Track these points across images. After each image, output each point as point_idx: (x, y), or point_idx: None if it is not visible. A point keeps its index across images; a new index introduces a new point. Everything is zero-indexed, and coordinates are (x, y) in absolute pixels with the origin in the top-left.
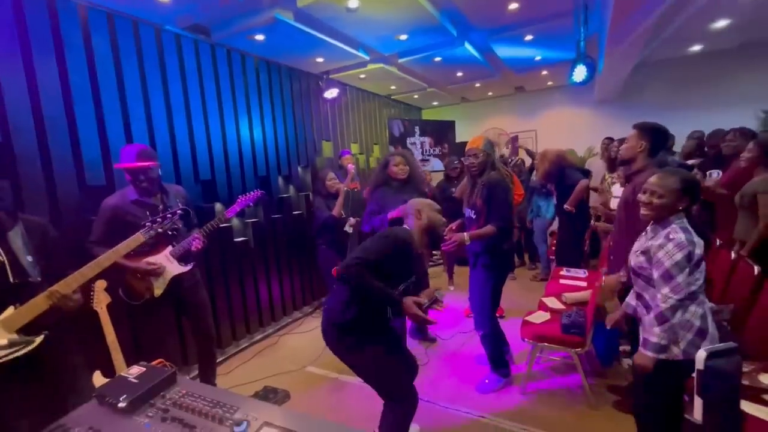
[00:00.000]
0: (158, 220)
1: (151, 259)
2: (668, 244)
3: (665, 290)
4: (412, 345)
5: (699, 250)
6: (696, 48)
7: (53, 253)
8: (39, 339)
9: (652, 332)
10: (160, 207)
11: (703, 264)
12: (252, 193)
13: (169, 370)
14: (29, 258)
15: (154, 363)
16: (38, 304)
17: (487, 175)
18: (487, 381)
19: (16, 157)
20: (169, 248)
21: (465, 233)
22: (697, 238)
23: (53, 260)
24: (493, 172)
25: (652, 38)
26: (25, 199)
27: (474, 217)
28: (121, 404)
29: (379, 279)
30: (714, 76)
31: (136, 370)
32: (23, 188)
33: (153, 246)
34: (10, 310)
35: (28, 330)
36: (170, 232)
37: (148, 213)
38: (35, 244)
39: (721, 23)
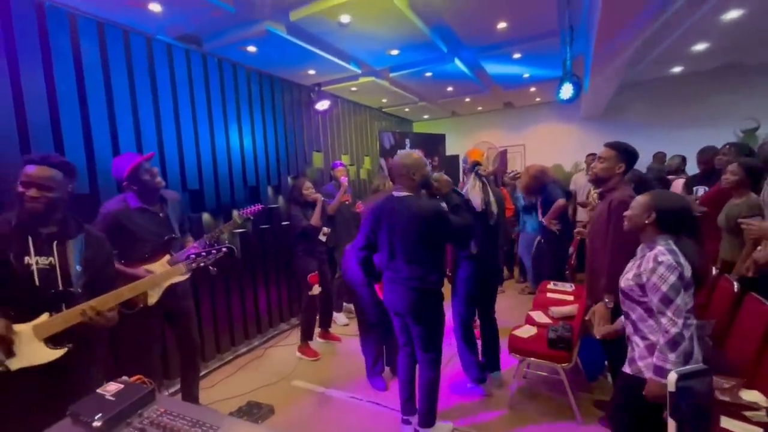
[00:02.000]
0: (203, 254)
1: (150, 267)
2: (659, 267)
3: (669, 314)
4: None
5: (687, 272)
6: (676, 69)
7: (103, 269)
8: (60, 352)
9: (666, 359)
10: (161, 215)
11: (693, 287)
12: (253, 206)
13: (148, 387)
14: (78, 268)
15: (132, 379)
16: (73, 315)
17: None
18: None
19: None
20: (167, 257)
21: None
22: (684, 260)
23: (100, 276)
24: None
25: (635, 59)
26: (6, 207)
27: None
28: (96, 423)
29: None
30: (694, 96)
31: (113, 386)
32: (5, 194)
33: (151, 254)
34: (45, 316)
35: (56, 339)
36: (167, 240)
37: (150, 222)
38: (88, 256)
39: (701, 46)
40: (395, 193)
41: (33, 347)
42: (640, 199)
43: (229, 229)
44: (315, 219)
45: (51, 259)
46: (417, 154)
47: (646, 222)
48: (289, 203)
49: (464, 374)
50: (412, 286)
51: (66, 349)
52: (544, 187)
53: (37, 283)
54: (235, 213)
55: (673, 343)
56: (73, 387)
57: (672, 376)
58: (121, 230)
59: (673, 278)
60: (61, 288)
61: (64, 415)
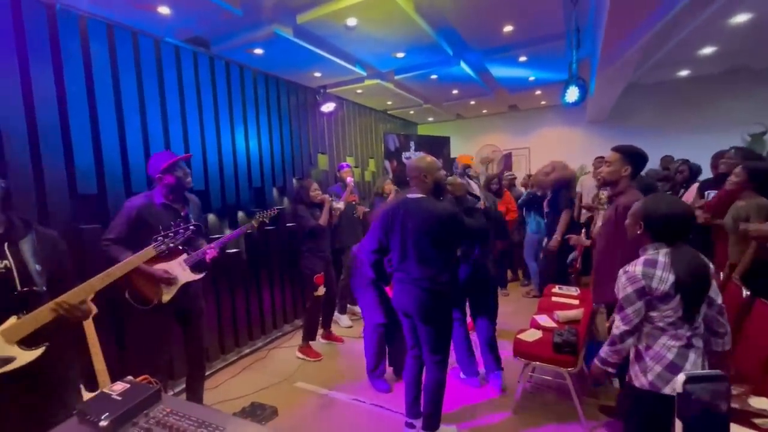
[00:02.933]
0: (170, 234)
1: (166, 266)
2: (622, 276)
3: (616, 318)
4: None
5: (659, 285)
6: (683, 73)
7: (60, 266)
8: (38, 351)
9: (604, 350)
10: (183, 214)
11: (677, 298)
12: (270, 210)
13: (154, 387)
14: (38, 267)
15: (139, 379)
16: (43, 314)
17: None
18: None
19: (7, 163)
20: (184, 256)
21: None
22: (663, 273)
23: (60, 273)
24: None
25: (641, 63)
26: (15, 206)
27: None
28: (103, 423)
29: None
30: (700, 100)
31: (119, 386)
32: (12, 195)
33: (169, 253)
34: (13, 319)
35: (29, 341)
36: (180, 246)
37: (174, 220)
38: (44, 255)
39: (708, 50)
40: (410, 195)
41: (6, 352)
42: (633, 209)
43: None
44: (323, 219)
45: (6, 261)
46: (430, 158)
47: (639, 232)
48: (296, 204)
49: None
50: (423, 286)
51: (43, 348)
52: (562, 190)
53: None
54: (211, 218)
55: (611, 339)
56: (50, 391)
57: (680, 377)
58: (143, 225)
59: (629, 290)
60: (21, 289)
61: (40, 418)
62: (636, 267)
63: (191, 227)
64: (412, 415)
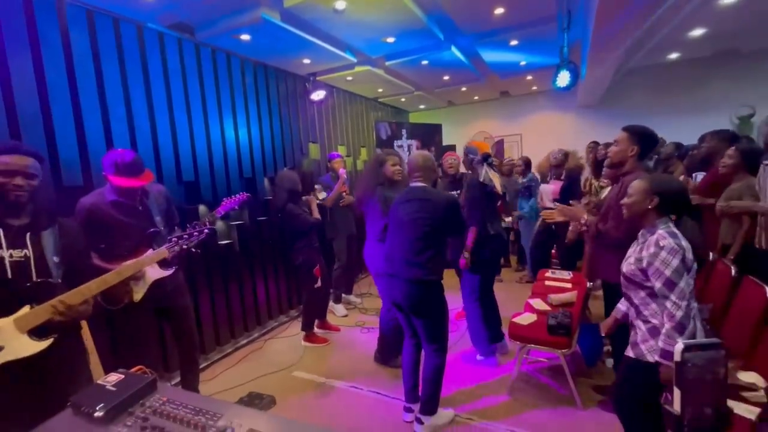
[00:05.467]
0: (185, 236)
1: (130, 262)
2: (661, 252)
3: (673, 298)
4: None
5: (689, 254)
6: (673, 56)
7: (80, 258)
8: (46, 342)
9: (674, 344)
10: (140, 208)
11: (695, 267)
12: (238, 195)
13: (149, 377)
14: (55, 258)
15: (133, 370)
16: (42, 311)
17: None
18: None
19: None
20: (150, 251)
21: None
22: (685, 242)
23: (79, 265)
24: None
25: (632, 46)
26: (41, 200)
27: None
28: (98, 413)
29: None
30: (690, 82)
31: (114, 377)
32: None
33: (133, 249)
34: (26, 309)
35: (41, 331)
36: (149, 234)
37: (129, 216)
38: (64, 247)
39: (698, 32)
40: (412, 183)
41: (18, 340)
42: (638, 186)
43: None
44: (315, 213)
45: (26, 251)
46: (426, 152)
47: (649, 207)
48: (286, 203)
49: (473, 348)
50: (411, 277)
51: (52, 339)
52: (576, 179)
53: (9, 275)
54: (202, 209)
55: (680, 327)
56: (57, 384)
57: (678, 346)
58: (99, 224)
59: (675, 262)
60: (37, 279)
61: (46, 407)
62: (667, 240)
63: (206, 230)
64: (411, 399)
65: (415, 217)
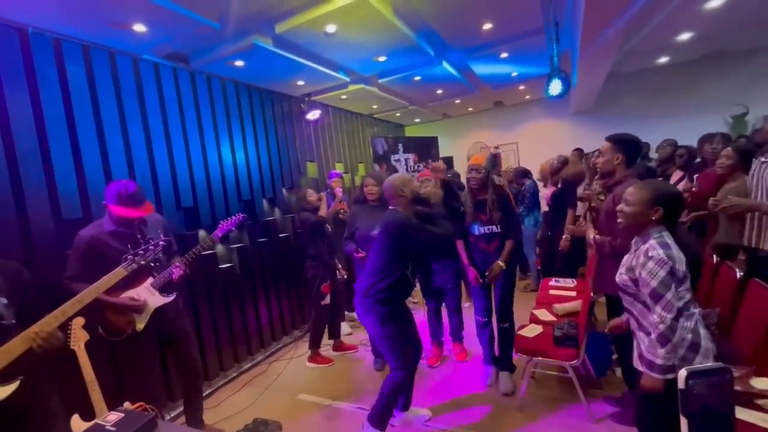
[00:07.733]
0: (140, 252)
1: (132, 293)
2: (649, 262)
3: (658, 309)
4: None
5: (680, 265)
6: (663, 60)
7: (27, 296)
8: (13, 386)
9: (656, 354)
10: (139, 237)
11: (688, 279)
12: (234, 217)
13: (149, 415)
14: (3, 300)
15: (134, 406)
16: (15, 346)
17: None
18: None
19: None
20: (150, 279)
21: (499, 261)
22: (678, 253)
23: (27, 303)
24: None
25: (621, 52)
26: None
27: (498, 231)
28: None
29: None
30: (681, 85)
31: (113, 416)
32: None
33: (133, 278)
34: None
35: (1, 376)
36: (152, 264)
37: (127, 245)
38: (9, 287)
39: (685, 36)
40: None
41: None
42: (639, 195)
43: (198, 252)
44: (322, 211)
45: None
46: (402, 174)
47: (653, 218)
48: (300, 212)
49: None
50: (366, 294)
51: (18, 382)
52: (572, 185)
53: None
54: (202, 234)
55: (663, 339)
56: (27, 425)
57: (682, 373)
58: (98, 256)
59: (662, 273)
60: None
61: None
62: (656, 251)
63: (161, 243)
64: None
65: (377, 239)
